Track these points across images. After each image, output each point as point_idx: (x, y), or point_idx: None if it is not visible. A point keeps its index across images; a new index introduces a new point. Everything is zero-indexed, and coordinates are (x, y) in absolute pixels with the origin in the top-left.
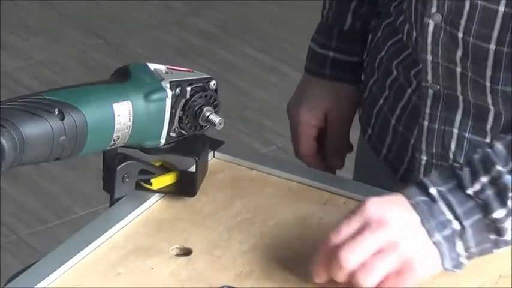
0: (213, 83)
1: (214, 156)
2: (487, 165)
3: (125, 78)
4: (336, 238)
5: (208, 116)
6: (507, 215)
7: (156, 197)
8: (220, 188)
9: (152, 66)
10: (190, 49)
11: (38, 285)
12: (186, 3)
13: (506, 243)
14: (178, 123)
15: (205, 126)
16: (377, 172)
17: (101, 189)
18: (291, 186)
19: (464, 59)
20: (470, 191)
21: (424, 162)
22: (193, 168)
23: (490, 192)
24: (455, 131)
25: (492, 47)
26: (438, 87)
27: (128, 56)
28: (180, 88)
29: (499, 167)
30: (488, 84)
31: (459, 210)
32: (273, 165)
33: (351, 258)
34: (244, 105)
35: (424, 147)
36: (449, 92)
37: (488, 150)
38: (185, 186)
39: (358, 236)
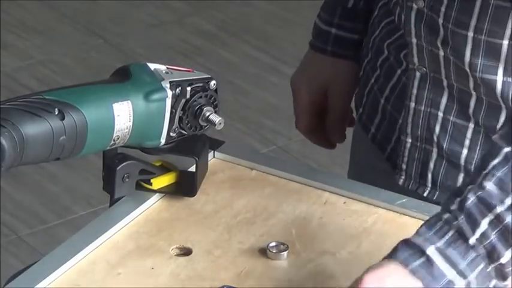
0: (213, 83)
1: (214, 156)
2: (483, 208)
3: (125, 78)
4: None
5: (208, 116)
6: None
7: (156, 197)
8: (220, 188)
9: (152, 66)
10: (190, 49)
11: (38, 285)
12: (186, 3)
13: None
14: (178, 123)
15: (205, 126)
16: (368, 152)
17: (101, 189)
18: (291, 186)
19: (445, 44)
20: (472, 240)
21: (408, 145)
22: (193, 168)
23: (493, 237)
24: (440, 114)
25: (470, 34)
26: (425, 69)
27: (128, 56)
28: (180, 88)
29: (496, 208)
30: (467, 70)
31: (462, 265)
32: (273, 165)
33: None
34: (244, 105)
35: (409, 130)
36: (435, 75)
37: (480, 192)
38: (185, 186)
39: None
